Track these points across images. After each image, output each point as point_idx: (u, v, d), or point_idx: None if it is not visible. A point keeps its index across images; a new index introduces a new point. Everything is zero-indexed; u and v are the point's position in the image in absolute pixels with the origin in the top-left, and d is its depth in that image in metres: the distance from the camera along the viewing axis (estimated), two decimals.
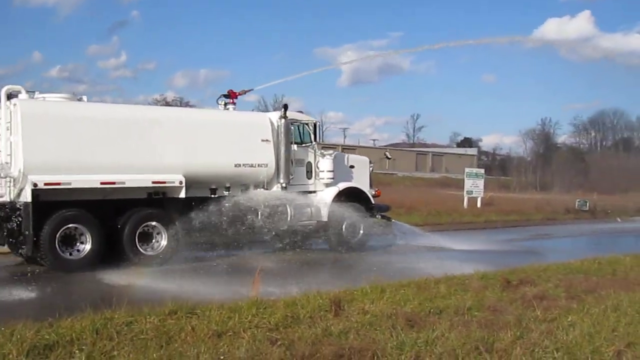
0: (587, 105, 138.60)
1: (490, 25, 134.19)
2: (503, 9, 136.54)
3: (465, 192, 35.37)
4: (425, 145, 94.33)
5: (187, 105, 75.95)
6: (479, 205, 35.25)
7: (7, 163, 12.77)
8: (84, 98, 14.17)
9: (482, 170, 41.51)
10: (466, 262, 13.91)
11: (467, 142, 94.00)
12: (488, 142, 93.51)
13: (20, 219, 12.68)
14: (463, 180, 37.56)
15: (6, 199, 13.05)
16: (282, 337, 6.77)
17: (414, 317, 7.55)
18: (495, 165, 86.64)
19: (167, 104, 76.85)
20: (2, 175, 12.82)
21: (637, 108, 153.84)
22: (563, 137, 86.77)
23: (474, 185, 36.64)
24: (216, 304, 7.92)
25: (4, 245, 14.04)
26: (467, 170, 39.22)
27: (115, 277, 12.15)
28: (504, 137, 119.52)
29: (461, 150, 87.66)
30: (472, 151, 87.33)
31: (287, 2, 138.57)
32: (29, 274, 12.62)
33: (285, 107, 15.59)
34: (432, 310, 8.09)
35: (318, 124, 16.52)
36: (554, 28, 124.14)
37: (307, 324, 7.35)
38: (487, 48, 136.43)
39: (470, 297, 8.89)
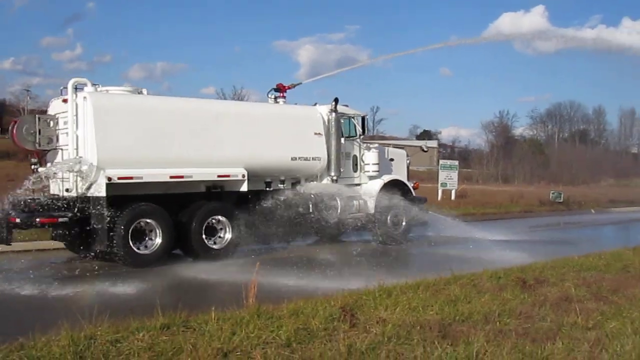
0: (540, 97, 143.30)
1: (446, 18, 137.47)
2: (458, 2, 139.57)
3: (439, 184, 35.69)
4: (384, 137, 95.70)
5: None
6: (453, 197, 35.79)
7: (80, 157, 12.84)
8: (144, 91, 14.30)
9: (456, 162, 42.36)
10: (516, 252, 14.83)
11: (426, 135, 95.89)
12: (446, 134, 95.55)
13: (90, 214, 12.79)
14: (426, 172, 37.90)
15: (73, 194, 13.10)
16: (301, 357, 6.06)
17: (443, 327, 6.96)
18: (454, 157, 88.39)
19: None
20: (74, 170, 12.87)
21: (593, 100, 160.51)
22: (520, 129, 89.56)
23: (448, 178, 36.98)
24: (213, 313, 7.07)
25: (61, 240, 14.15)
26: (441, 162, 39.89)
27: (199, 272, 12.40)
28: (461, 130, 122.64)
29: (421, 143, 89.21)
30: (432, 143, 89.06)
31: None
32: (97, 270, 12.73)
33: (336, 100, 16.10)
34: (457, 317, 7.52)
35: (366, 116, 17.01)
36: (508, 22, 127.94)
37: (322, 337, 6.60)
38: (443, 42, 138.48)
39: (490, 299, 8.47)
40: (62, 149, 13.50)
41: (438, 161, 49.36)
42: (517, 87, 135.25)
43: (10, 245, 13.01)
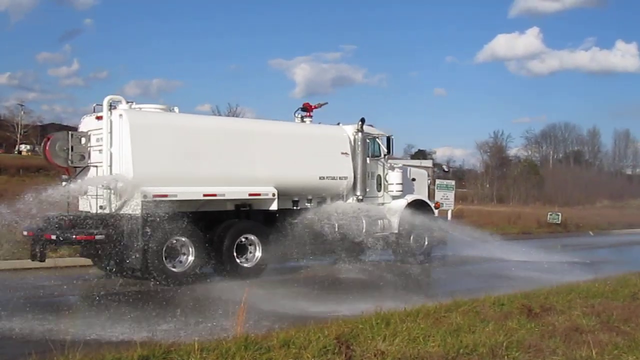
0: (535, 118, 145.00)
1: (440, 39, 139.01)
2: (453, 23, 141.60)
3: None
4: None
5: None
6: (449, 218, 35.94)
7: (117, 174, 13.00)
8: (176, 109, 14.53)
9: (453, 182, 42.46)
10: (543, 273, 15.09)
11: (421, 154, 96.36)
12: (441, 154, 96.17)
13: (124, 232, 12.91)
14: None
15: (106, 211, 13.24)
16: None
17: None
18: (449, 177, 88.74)
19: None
20: (110, 187, 13.03)
21: (585, 121, 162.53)
22: (515, 149, 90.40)
23: (445, 198, 37.03)
24: (196, 344, 6.57)
25: (90, 258, 14.27)
26: (437, 182, 40.07)
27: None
28: (455, 150, 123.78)
29: (416, 162, 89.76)
30: (427, 163, 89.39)
31: (241, 14, 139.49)
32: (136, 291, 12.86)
33: (363, 120, 16.42)
34: (461, 350, 7.02)
35: (392, 137, 17.36)
36: (503, 43, 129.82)
37: None
38: (438, 62, 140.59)
39: (494, 329, 8.00)
40: (94, 166, 13.65)
41: (434, 181, 49.47)
42: (511, 108, 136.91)
43: (44, 262, 13.13)
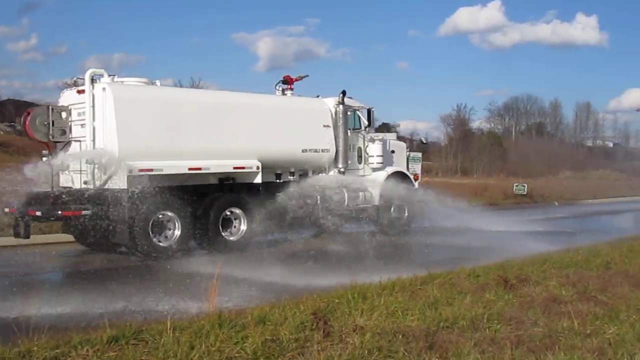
0: (497, 91, 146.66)
1: (403, 13, 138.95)
2: None
3: None
4: None
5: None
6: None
7: (101, 148, 12.93)
8: (157, 82, 14.44)
9: (420, 154, 42.92)
10: (523, 241, 15.51)
11: (385, 127, 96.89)
12: (404, 127, 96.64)
13: (109, 207, 12.88)
14: None
15: (90, 186, 13.17)
16: None
17: (428, 336, 6.40)
18: (414, 150, 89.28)
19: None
20: (94, 162, 12.95)
21: (547, 94, 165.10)
22: (478, 122, 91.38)
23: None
24: (169, 323, 6.31)
25: (72, 234, 14.23)
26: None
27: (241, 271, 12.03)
28: (418, 123, 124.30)
29: (380, 135, 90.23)
30: (392, 136, 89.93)
31: None
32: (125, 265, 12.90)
33: (344, 93, 16.53)
34: (441, 323, 6.91)
35: (373, 110, 17.51)
36: (465, 17, 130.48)
37: (294, 350, 5.94)
38: (401, 36, 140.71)
39: (472, 301, 7.98)
40: (76, 141, 13.54)
41: None
42: (474, 81, 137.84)
43: (28, 238, 13.05)
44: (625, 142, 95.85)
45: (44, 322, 7.16)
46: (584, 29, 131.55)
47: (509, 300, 8.17)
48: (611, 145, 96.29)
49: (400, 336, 6.32)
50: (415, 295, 8.27)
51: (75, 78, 13.89)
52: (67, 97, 14.04)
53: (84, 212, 12.57)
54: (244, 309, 7.27)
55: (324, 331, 6.42)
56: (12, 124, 75.84)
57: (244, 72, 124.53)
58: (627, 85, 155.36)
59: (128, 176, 12.76)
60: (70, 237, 14.62)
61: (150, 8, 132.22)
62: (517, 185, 40.93)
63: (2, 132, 69.05)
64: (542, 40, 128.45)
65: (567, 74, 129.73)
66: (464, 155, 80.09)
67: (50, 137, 13.70)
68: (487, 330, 6.77)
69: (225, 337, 6.08)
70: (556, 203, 37.92)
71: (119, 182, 12.86)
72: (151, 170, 13.04)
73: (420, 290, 8.52)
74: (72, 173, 13.52)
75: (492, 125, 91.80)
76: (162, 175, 13.27)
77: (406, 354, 5.89)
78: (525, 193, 39.91)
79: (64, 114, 13.82)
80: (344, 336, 6.35)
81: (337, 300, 7.72)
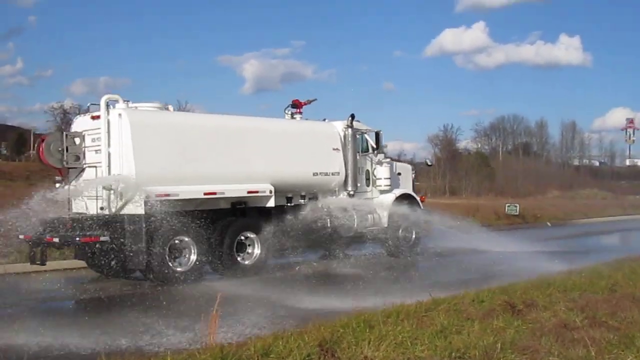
0: (483, 111, 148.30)
1: (388, 34, 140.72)
2: (401, 18, 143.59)
3: None
4: None
5: (87, 112, 73.81)
6: None
7: (119, 174, 13.01)
8: (170, 107, 14.61)
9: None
10: (534, 262, 15.73)
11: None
12: (391, 148, 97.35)
13: (126, 233, 12.94)
14: None
15: (106, 212, 13.23)
16: None
17: None
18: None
19: (65, 112, 74.37)
20: (112, 187, 13.03)
21: (533, 114, 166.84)
22: (464, 142, 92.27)
23: None
24: (169, 357, 6.18)
25: (85, 259, 14.26)
26: None
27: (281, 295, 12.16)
28: (405, 144, 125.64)
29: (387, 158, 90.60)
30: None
31: (188, 9, 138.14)
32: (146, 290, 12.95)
33: (353, 116, 16.79)
34: (453, 354, 6.70)
35: (381, 133, 17.77)
36: (450, 38, 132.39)
37: None
38: (386, 57, 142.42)
39: (481, 329, 7.77)
40: (91, 167, 13.62)
41: None
42: (459, 101, 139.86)
43: (45, 265, 13.07)
44: (610, 161, 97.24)
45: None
46: (568, 49, 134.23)
47: (519, 327, 7.99)
48: (597, 164, 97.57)
49: None
50: (421, 323, 8.09)
51: (89, 104, 13.99)
52: (81, 123, 14.15)
53: (102, 239, 12.61)
54: (246, 341, 7.07)
55: None
56: None
57: (230, 94, 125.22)
58: (612, 105, 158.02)
59: (145, 201, 12.82)
60: (83, 263, 14.62)
61: (135, 30, 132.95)
62: (509, 206, 40.29)
63: None
64: (527, 61, 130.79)
65: (552, 94, 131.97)
66: (452, 175, 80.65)
67: (65, 163, 13.75)
68: None
69: None
70: (549, 223, 38.02)
71: (136, 208, 12.93)
72: (168, 195, 13.13)
73: (426, 318, 8.35)
74: (87, 199, 13.55)
75: (479, 145, 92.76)
76: (177, 200, 13.35)
77: None
78: (517, 213, 39.73)
79: (77, 140, 13.90)
80: None
81: (341, 330, 7.48)
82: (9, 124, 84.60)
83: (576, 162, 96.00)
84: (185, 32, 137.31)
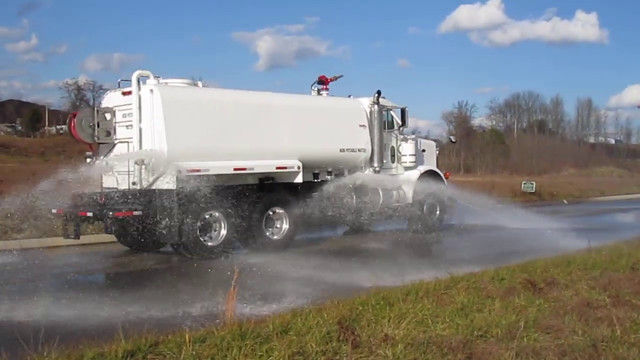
0: (497, 88, 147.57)
1: (403, 11, 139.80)
2: None
3: None
4: None
5: (100, 89, 74.23)
6: None
7: (151, 150, 13.17)
8: (199, 83, 14.72)
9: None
10: (554, 239, 15.80)
11: None
12: None
13: (157, 207, 13.14)
14: None
15: (138, 187, 13.41)
16: None
17: (463, 346, 6.02)
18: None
19: (80, 89, 74.78)
20: (143, 163, 13.19)
21: (548, 90, 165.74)
22: (479, 119, 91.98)
23: None
24: (187, 336, 5.89)
25: (115, 234, 14.49)
26: None
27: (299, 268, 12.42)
28: (419, 121, 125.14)
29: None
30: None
31: None
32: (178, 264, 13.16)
33: (379, 93, 16.86)
34: (475, 332, 6.55)
35: (407, 109, 17.82)
36: (465, 15, 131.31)
37: None
38: (401, 34, 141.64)
39: (502, 307, 7.67)
40: (122, 142, 13.78)
41: None
42: (474, 78, 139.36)
43: (79, 239, 13.31)
44: (626, 139, 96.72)
45: (74, 328, 7.33)
46: (584, 26, 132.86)
47: (541, 305, 7.88)
48: (613, 142, 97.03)
49: (434, 347, 5.96)
50: (441, 300, 7.98)
51: (120, 80, 14.15)
52: (111, 99, 14.30)
53: (135, 213, 12.81)
54: (265, 318, 6.98)
55: (352, 342, 5.98)
56: (13, 124, 76.03)
57: (244, 70, 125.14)
58: (628, 82, 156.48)
59: (177, 177, 12.99)
60: (112, 237, 14.86)
61: (150, 7, 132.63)
62: (525, 183, 40.51)
63: (2, 133, 69.19)
64: (542, 38, 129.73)
65: (568, 71, 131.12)
66: (467, 152, 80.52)
67: (96, 138, 13.93)
68: (525, 339, 6.38)
69: (249, 350, 5.72)
70: (565, 201, 38.00)
71: (168, 183, 13.11)
72: (199, 170, 13.28)
73: (446, 295, 8.26)
74: (118, 174, 13.73)
75: (494, 122, 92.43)
76: (207, 175, 13.49)
77: None
78: (533, 191, 39.75)
79: (108, 116, 14.06)
80: (373, 347, 5.97)
81: (360, 308, 7.42)
82: (24, 100, 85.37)
83: (592, 140, 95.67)
84: (199, 9, 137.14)
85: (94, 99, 73.69)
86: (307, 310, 7.19)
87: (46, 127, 71.36)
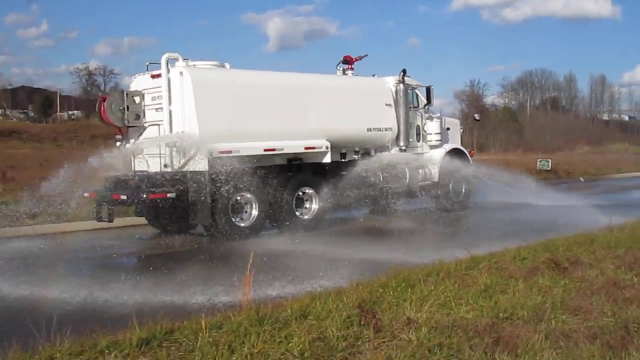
0: (510, 66, 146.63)
1: None
2: None
3: None
4: None
5: (111, 73, 74.53)
6: None
7: (183, 132, 13.26)
8: (227, 65, 14.76)
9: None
10: (586, 216, 15.79)
11: None
12: None
13: (189, 189, 13.25)
14: None
15: (169, 169, 13.52)
16: None
17: (490, 329, 5.79)
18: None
19: (90, 74, 74.98)
20: (175, 145, 13.29)
21: (561, 67, 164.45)
22: (491, 97, 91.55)
23: None
24: (203, 322, 5.68)
25: (146, 216, 14.64)
26: None
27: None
28: None
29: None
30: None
31: None
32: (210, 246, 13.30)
33: (404, 72, 16.87)
34: (500, 314, 6.35)
35: (433, 88, 17.81)
36: None
37: (344, 350, 5.38)
38: (412, 12, 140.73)
39: (526, 287, 7.44)
40: (153, 125, 13.87)
41: None
42: (485, 56, 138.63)
43: (112, 222, 13.46)
44: None
45: (105, 312, 7.43)
46: (597, 2, 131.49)
47: (566, 285, 7.62)
48: (627, 118, 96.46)
49: (460, 331, 5.76)
50: (463, 282, 7.71)
51: (148, 63, 14.24)
52: (140, 82, 14.37)
53: (168, 195, 12.93)
54: (282, 303, 6.72)
55: (374, 327, 5.76)
56: (25, 111, 76.43)
57: (254, 52, 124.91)
58: None
59: (209, 158, 13.09)
60: (143, 220, 15.01)
61: None
62: (541, 161, 40.11)
63: (15, 119, 69.54)
64: (554, 14, 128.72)
65: (581, 47, 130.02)
66: (480, 131, 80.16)
67: (126, 121, 14.03)
68: (553, 321, 6.15)
69: (267, 336, 5.53)
70: (582, 178, 37.76)
71: (199, 165, 13.21)
72: (230, 151, 13.35)
73: (467, 276, 8.01)
74: (148, 157, 13.84)
75: (506, 100, 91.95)
76: (238, 156, 13.56)
77: (472, 352, 5.26)
78: (549, 169, 39.47)
79: (137, 99, 14.15)
80: (396, 332, 5.77)
81: (380, 290, 7.20)
82: (35, 86, 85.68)
83: (605, 117, 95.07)
84: None
85: (104, 84, 74.00)
86: (326, 294, 7.03)
87: (58, 113, 71.69)
